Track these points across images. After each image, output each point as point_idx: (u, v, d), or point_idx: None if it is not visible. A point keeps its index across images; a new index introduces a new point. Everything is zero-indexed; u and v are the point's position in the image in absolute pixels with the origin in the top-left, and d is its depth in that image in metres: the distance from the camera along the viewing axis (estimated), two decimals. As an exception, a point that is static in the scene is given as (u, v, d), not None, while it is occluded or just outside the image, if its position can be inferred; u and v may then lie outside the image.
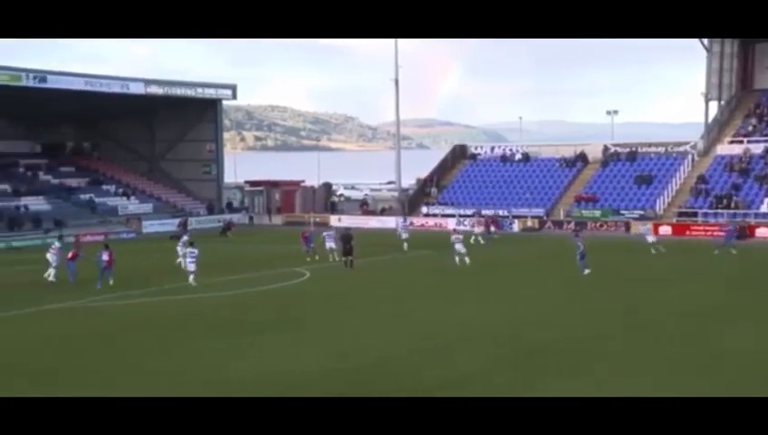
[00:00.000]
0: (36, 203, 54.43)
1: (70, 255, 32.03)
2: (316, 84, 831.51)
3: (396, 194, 66.49)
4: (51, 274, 31.32)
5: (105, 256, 30.73)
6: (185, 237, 37.19)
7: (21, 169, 58.81)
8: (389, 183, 77.47)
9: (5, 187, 55.15)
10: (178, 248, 35.62)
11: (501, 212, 55.67)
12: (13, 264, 34.48)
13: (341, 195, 76.32)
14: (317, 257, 37.29)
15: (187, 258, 31.35)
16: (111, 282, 30.09)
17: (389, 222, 57.30)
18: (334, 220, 60.60)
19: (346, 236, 35.65)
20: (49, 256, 31.68)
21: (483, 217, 52.30)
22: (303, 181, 72.43)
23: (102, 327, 23.29)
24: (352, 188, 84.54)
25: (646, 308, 25.02)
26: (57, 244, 33.11)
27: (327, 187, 71.80)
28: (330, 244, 37.98)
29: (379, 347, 20.17)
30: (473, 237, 44.58)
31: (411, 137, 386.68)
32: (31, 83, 52.07)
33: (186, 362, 18.94)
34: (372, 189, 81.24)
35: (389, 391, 15.52)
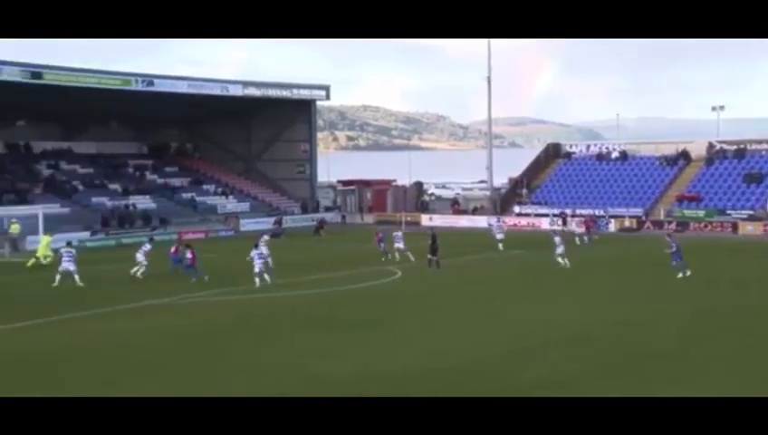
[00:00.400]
0: (143, 202, 56.57)
1: (173, 249, 34.01)
2: (408, 84, 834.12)
3: (487, 193, 65.99)
4: (139, 271, 32.61)
5: (189, 255, 32.15)
6: (264, 237, 37.87)
7: (130, 170, 61.26)
8: (481, 182, 76.94)
9: (116, 186, 57.56)
10: (262, 249, 35.99)
11: (597, 212, 54.53)
12: (121, 260, 35.88)
13: (432, 194, 76.27)
14: (389, 257, 37.29)
15: (256, 259, 30.69)
16: (207, 278, 30.97)
17: (481, 221, 56.94)
18: (425, 219, 60.64)
19: (431, 237, 35.46)
20: (138, 255, 33.03)
21: (583, 217, 51.17)
22: (395, 180, 72.70)
23: (202, 323, 23.95)
24: (443, 187, 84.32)
25: (757, 309, 24.04)
26: (148, 245, 34.40)
27: (418, 186, 71.88)
28: (398, 244, 37.76)
29: (473, 347, 20.03)
30: (577, 238, 43.88)
31: (503, 135, 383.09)
32: (140, 87, 54.23)
33: (284, 358, 19.27)
34: (464, 189, 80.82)
35: (485, 391, 15.40)
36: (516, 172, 64.66)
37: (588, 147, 65.46)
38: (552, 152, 65.20)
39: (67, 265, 30.80)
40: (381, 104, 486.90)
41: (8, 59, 48.59)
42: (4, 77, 47.21)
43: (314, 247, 45.43)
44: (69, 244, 33.62)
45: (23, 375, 17.89)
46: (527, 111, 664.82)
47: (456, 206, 65.52)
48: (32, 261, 36.04)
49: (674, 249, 31.16)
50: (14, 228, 43.64)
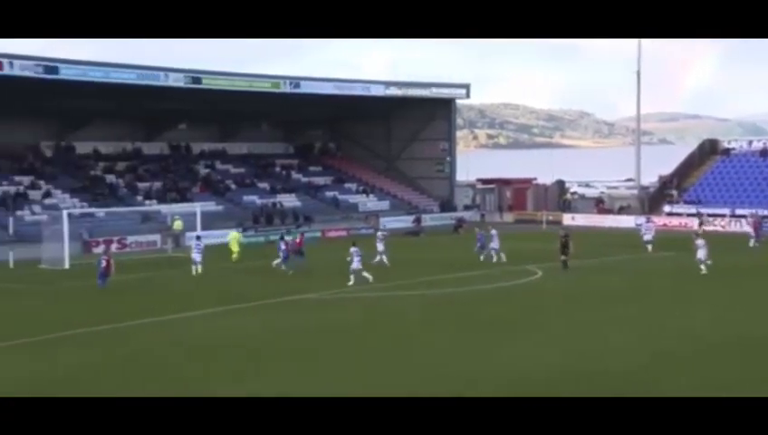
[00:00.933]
0: (289, 200, 58.97)
1: (298, 239, 37.54)
2: (550, 80, 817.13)
3: (635, 192, 64.18)
4: (278, 262, 35.26)
5: (282, 246, 35.44)
6: (379, 233, 39.01)
7: (277, 169, 63.96)
8: (628, 180, 74.81)
9: (265, 185, 60.30)
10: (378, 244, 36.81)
11: (761, 212, 51.69)
12: (267, 257, 37.74)
13: (575, 193, 74.90)
14: (482, 259, 36.93)
15: (354, 256, 30.85)
16: (290, 273, 33.77)
17: (627, 221, 55.52)
18: (567, 219, 59.74)
19: (563, 237, 34.84)
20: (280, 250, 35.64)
21: (751, 217, 48.67)
22: (535, 179, 71.94)
23: (350, 318, 24.90)
24: (587, 185, 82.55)
25: None
26: (287, 238, 36.36)
27: (560, 184, 70.80)
28: (493, 244, 37.41)
29: (618, 351, 19.84)
30: (751, 241, 42.27)
31: (652, 132, 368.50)
32: (288, 89, 56.48)
33: (426, 357, 19.78)
34: (608, 187, 78.82)
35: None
36: (667, 170, 62.51)
37: (750, 142, 62.16)
38: (709, 149, 62.43)
39: (195, 256, 34.22)
40: (522, 102, 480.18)
41: (171, 66, 52.08)
42: (170, 83, 50.63)
43: (454, 246, 45.83)
44: (198, 237, 36.71)
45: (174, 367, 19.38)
46: (679, 106, 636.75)
47: (600, 205, 64.07)
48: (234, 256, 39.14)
49: None
50: (177, 225, 46.66)
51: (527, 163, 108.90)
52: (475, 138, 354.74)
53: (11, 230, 42.99)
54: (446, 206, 64.97)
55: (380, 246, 36.38)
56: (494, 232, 38.26)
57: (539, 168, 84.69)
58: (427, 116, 66.52)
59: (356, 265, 30.28)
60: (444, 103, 66.12)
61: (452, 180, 67.73)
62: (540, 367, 18.19)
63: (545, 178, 73.06)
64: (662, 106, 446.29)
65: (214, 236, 44.84)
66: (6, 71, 43.60)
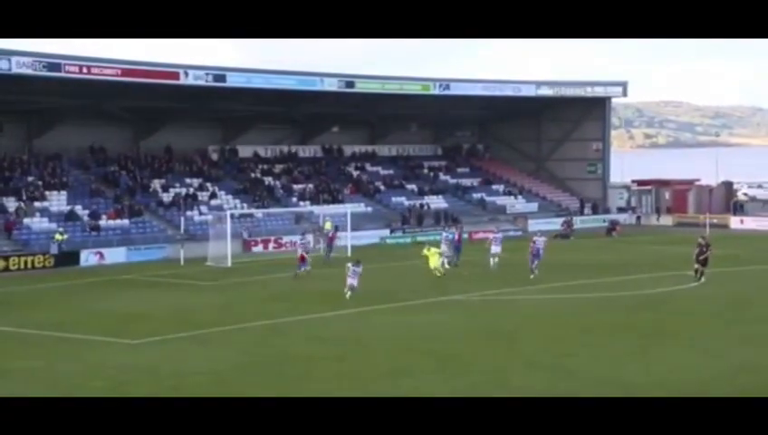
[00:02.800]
0: (436, 201, 60.15)
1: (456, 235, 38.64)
2: (718, 74, 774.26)
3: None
4: (445, 262, 35.79)
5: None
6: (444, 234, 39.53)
7: (425, 171, 65.30)
8: (806, 180, 70.76)
9: (413, 186, 61.77)
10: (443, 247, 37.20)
11: None
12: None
13: (746, 194, 71.65)
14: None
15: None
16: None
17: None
18: (735, 222, 57.54)
19: (701, 245, 32.11)
20: (442, 247, 36.70)
21: None
22: (698, 180, 69.50)
23: (502, 321, 25.60)
24: (759, 187, 78.69)
25: None
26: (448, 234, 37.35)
27: (727, 186, 68.04)
28: (496, 248, 36.92)
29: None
30: None
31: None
32: (437, 91, 57.54)
33: (577, 361, 20.25)
34: (785, 188, 74.90)
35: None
36: None
37: None
38: None
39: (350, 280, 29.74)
40: (685, 99, 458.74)
41: (327, 71, 54.57)
42: (326, 87, 53.12)
43: (607, 249, 45.32)
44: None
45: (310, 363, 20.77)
46: None
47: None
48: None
49: None
50: (328, 226, 48.78)
51: (689, 163, 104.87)
52: (632, 137, 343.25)
53: (182, 229, 46.43)
54: (598, 207, 64.04)
55: (496, 248, 36.97)
56: (497, 235, 38.89)
57: (702, 168, 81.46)
58: (580, 116, 65.73)
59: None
60: (598, 102, 65.11)
61: (605, 181, 66.61)
62: (692, 374, 18.21)
63: (710, 179, 70.39)
64: None
65: (365, 238, 46.54)
66: (182, 80, 47.31)
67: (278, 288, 33.33)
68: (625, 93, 66.50)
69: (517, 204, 62.61)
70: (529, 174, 68.36)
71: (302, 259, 35.70)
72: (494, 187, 64.95)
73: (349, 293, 28.47)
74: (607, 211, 63.77)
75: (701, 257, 31.52)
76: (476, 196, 62.49)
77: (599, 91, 64.71)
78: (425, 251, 35.34)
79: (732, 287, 31.09)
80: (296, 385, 18.06)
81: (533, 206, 62.86)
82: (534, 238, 35.35)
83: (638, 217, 64.01)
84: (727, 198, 65.43)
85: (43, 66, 42.38)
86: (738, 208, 62.52)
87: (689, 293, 30.30)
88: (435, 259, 34.46)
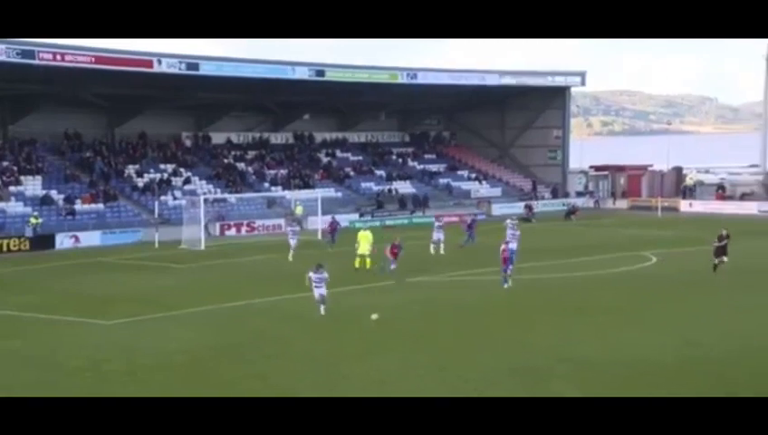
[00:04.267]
0: (404, 186, 60.17)
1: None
2: (669, 65, 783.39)
3: (759, 178, 61.76)
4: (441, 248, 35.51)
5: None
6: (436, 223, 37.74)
7: (394, 157, 65.27)
8: (752, 166, 71.87)
9: (381, 172, 61.72)
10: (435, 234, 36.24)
11: None
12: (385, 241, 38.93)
13: (693, 179, 72.65)
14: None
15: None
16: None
17: (749, 208, 53.68)
18: (685, 205, 58.33)
19: (720, 236, 29.47)
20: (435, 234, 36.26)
21: None
22: (651, 166, 70.34)
23: (468, 300, 25.76)
24: (707, 172, 79.74)
25: None
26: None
27: (677, 171, 68.94)
28: (438, 235, 35.76)
29: (732, 337, 19.84)
30: None
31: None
32: (405, 80, 57.46)
33: (538, 338, 20.42)
34: (730, 173, 75.95)
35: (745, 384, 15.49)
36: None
37: None
38: None
39: (292, 240, 35.12)
40: (639, 88, 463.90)
41: (297, 60, 54.17)
42: (297, 76, 52.68)
43: (566, 232, 45.75)
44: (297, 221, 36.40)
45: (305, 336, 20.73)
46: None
47: (720, 191, 62.05)
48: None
49: None
50: (299, 210, 48.71)
51: (643, 150, 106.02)
52: (590, 125, 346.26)
53: (156, 213, 45.94)
54: (558, 192, 64.59)
55: (439, 235, 35.79)
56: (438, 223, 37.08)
57: (655, 154, 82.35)
58: (542, 104, 66.11)
59: (320, 291, 22.78)
60: (558, 91, 65.55)
61: (564, 167, 67.15)
62: (652, 351, 18.45)
63: (662, 164, 71.20)
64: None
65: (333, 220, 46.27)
66: (156, 68, 46.62)
67: (251, 270, 33.16)
68: (583, 83, 67.01)
69: (481, 189, 62.88)
70: (493, 160, 68.65)
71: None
72: (460, 172, 65.13)
73: (322, 307, 22.52)
74: (566, 196, 64.29)
75: (719, 246, 28.92)
76: (443, 181, 62.62)
77: (559, 81, 65.11)
78: (360, 233, 31.91)
79: (683, 267, 31.52)
80: (270, 364, 18.00)
81: (497, 190, 63.19)
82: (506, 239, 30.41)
83: (596, 201, 64.65)
84: (677, 183, 66.34)
85: (17, 53, 41.55)
86: (687, 192, 63.40)
87: (643, 272, 30.69)
88: (365, 245, 30.97)
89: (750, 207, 53.81)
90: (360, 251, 31.03)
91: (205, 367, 17.87)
